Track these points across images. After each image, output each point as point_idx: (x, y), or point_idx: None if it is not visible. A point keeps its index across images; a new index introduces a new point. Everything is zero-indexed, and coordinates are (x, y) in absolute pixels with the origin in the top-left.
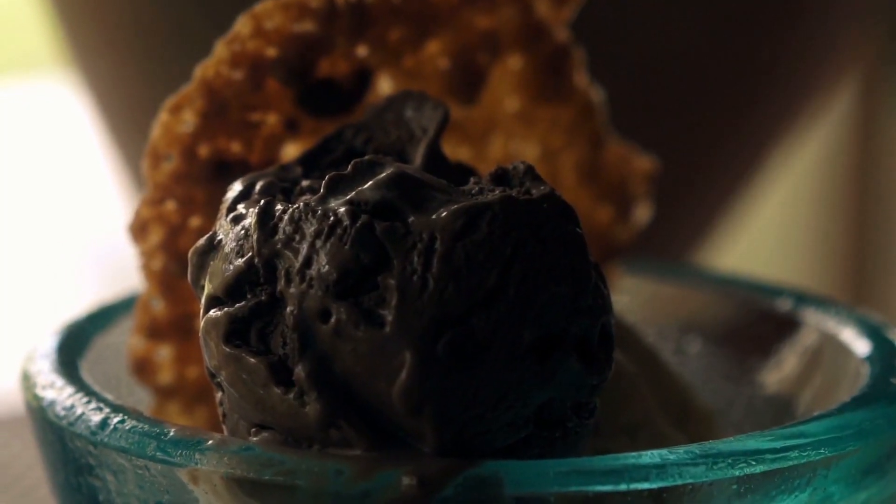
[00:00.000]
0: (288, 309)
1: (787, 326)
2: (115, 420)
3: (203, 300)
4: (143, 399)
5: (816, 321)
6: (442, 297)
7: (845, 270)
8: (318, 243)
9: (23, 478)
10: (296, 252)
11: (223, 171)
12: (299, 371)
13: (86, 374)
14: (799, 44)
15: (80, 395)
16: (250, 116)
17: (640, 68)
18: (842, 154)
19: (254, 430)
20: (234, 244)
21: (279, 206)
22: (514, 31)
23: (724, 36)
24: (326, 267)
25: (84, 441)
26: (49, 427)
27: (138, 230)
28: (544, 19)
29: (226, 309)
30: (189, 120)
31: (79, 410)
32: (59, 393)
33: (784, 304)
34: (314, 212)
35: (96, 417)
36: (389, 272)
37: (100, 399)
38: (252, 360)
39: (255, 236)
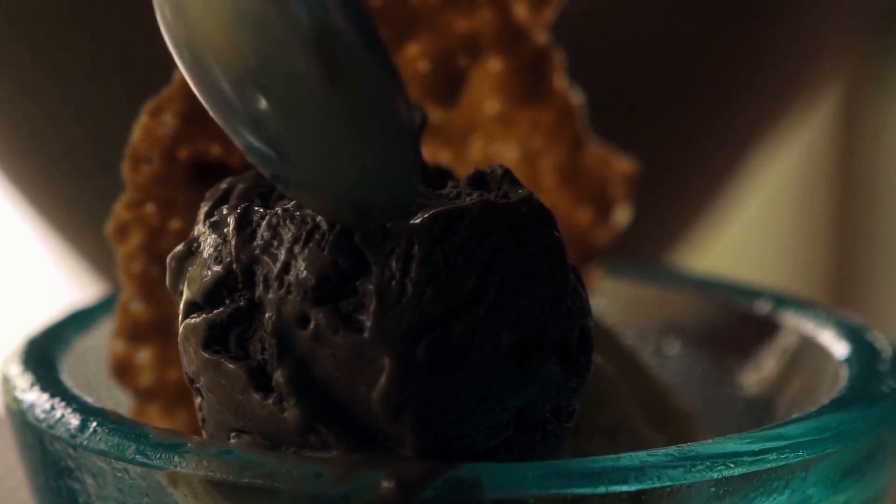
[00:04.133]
0: (266, 315)
1: (766, 328)
2: (95, 423)
3: (182, 306)
4: (123, 402)
5: (796, 323)
6: (420, 301)
7: (826, 272)
8: (297, 249)
9: (4, 480)
10: (274, 258)
11: (203, 173)
12: (278, 377)
13: (66, 377)
14: (780, 44)
15: (59, 397)
16: None
17: (618, 68)
18: (823, 155)
19: (233, 434)
20: (212, 250)
21: (257, 212)
22: (493, 34)
23: (704, 37)
24: (305, 272)
25: (63, 444)
26: (29, 430)
27: (118, 232)
28: (524, 22)
29: (204, 315)
30: (169, 122)
31: (58, 413)
32: (38, 396)
33: (763, 306)
34: (292, 217)
35: (76, 420)
36: (368, 277)
37: (79, 402)
38: (231, 365)
39: (233, 242)
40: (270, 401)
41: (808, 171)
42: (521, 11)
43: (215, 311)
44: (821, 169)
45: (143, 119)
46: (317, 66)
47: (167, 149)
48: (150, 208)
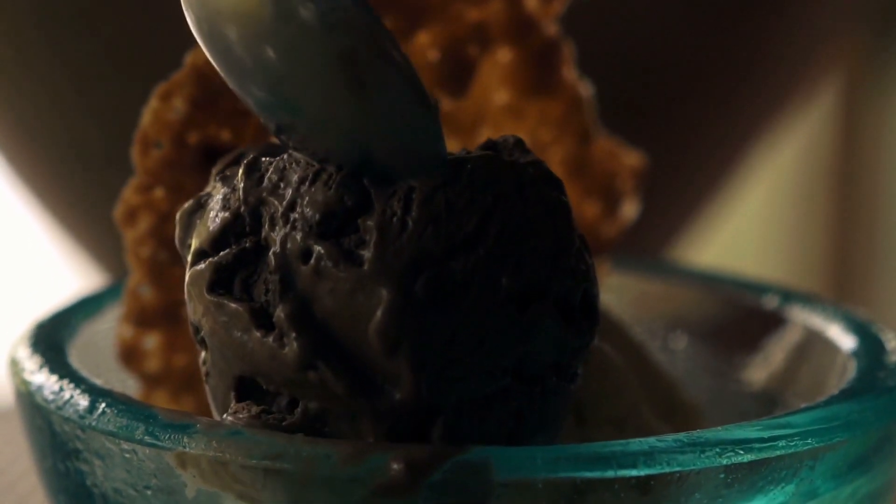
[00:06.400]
0: (270, 251)
1: (773, 323)
2: (103, 404)
3: (189, 257)
4: (130, 387)
5: (803, 318)
6: (421, 238)
7: (826, 267)
8: (303, 188)
9: (4, 473)
10: (281, 198)
11: (213, 158)
12: (279, 312)
13: (74, 361)
14: (781, 40)
15: (67, 379)
16: (240, 105)
17: (622, 63)
18: (824, 150)
19: (233, 393)
20: (221, 199)
21: (266, 160)
22: (503, 24)
23: (706, 31)
24: (310, 209)
25: (72, 425)
26: (37, 411)
27: (127, 217)
28: (534, 13)
29: (210, 259)
30: (179, 107)
31: (67, 394)
32: (47, 377)
33: (770, 301)
34: (299, 161)
35: (84, 401)
36: (370, 215)
37: (88, 383)
38: (234, 305)
39: (241, 185)
40: (271, 338)
41: (809, 165)
42: (531, 2)
43: (221, 254)
44: (821, 163)
45: (153, 103)
46: (342, 82)
47: (177, 133)
48: (159, 193)
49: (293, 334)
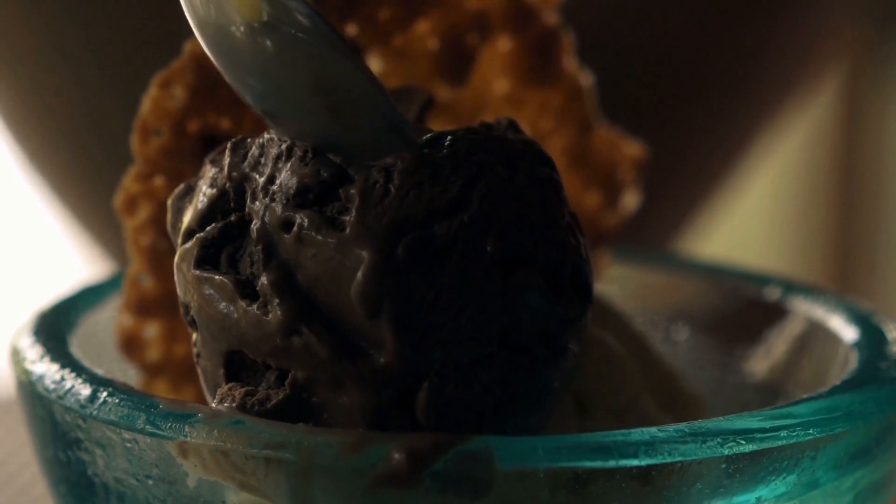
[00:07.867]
0: (253, 224)
1: (775, 314)
2: (105, 393)
3: (179, 239)
4: (132, 377)
5: (805, 309)
6: (403, 202)
7: (828, 259)
8: (281, 162)
9: (5, 464)
10: (261, 173)
11: (212, 146)
12: (263, 280)
13: (75, 350)
14: (784, 33)
15: (69, 368)
16: None
17: (624, 55)
18: (826, 143)
19: (222, 371)
20: (209, 179)
21: (251, 141)
22: (503, 13)
23: (711, 24)
24: (287, 180)
25: (73, 414)
26: (38, 401)
27: (126, 205)
28: (534, 2)
29: (198, 235)
30: (179, 95)
31: (68, 384)
32: (48, 367)
33: (772, 293)
34: (281, 140)
35: (85, 391)
36: (352, 184)
37: (89, 372)
38: (219, 278)
39: (227, 162)
40: (255, 306)
41: (812, 158)
42: None
43: (207, 229)
44: (824, 156)
45: (152, 91)
46: (321, 109)
47: (177, 121)
48: (158, 181)
49: (276, 300)
